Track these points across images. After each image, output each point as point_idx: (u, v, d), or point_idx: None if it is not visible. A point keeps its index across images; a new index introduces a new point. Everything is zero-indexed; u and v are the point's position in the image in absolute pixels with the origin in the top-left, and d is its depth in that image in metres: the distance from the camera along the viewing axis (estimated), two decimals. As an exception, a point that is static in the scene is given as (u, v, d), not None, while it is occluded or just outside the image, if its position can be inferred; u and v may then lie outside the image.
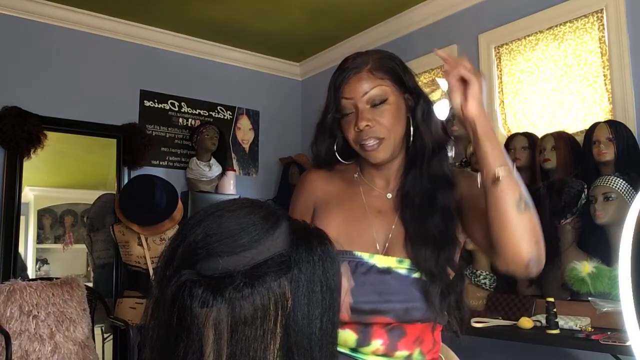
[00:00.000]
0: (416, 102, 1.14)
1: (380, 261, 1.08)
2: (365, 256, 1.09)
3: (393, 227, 1.12)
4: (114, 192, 3.47)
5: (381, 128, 1.09)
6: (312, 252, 0.65)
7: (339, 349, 1.07)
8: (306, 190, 1.22)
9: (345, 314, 1.01)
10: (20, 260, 3.23)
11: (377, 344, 1.07)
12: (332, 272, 0.67)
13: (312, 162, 1.24)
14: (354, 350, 1.08)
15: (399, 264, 1.08)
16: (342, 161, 1.20)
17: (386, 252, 1.10)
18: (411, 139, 1.14)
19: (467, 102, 0.96)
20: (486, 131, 0.97)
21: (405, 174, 1.17)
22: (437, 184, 1.12)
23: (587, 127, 2.40)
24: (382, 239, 1.12)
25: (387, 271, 1.07)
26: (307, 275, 0.64)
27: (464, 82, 0.98)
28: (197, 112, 3.92)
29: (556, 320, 1.94)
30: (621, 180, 2.11)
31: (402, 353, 1.08)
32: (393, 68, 1.13)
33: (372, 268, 1.07)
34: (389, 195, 1.17)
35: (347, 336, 1.07)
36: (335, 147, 1.19)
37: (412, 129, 1.13)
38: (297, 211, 1.21)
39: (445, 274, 1.06)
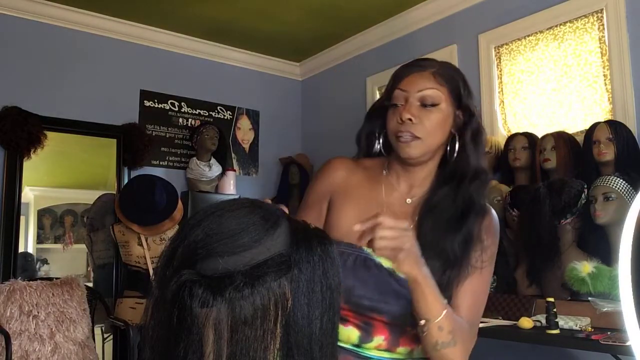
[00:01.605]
0: (467, 121, 1.14)
1: (386, 261, 1.08)
2: (373, 254, 1.08)
3: None
4: (114, 192, 3.47)
5: (422, 128, 1.08)
6: (312, 252, 0.65)
7: (343, 345, 1.09)
8: (327, 177, 1.22)
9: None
10: (27, 261, 3.24)
11: (380, 339, 1.08)
12: (332, 272, 0.67)
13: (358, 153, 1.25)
14: (357, 345, 1.10)
15: None
16: (382, 152, 1.20)
17: None
18: (454, 154, 1.13)
19: (396, 263, 0.98)
20: (414, 286, 0.98)
21: (436, 186, 1.15)
22: (470, 208, 1.10)
23: (587, 127, 2.40)
24: None
25: (391, 272, 1.07)
26: (307, 275, 0.64)
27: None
28: (197, 112, 3.92)
29: (556, 320, 1.94)
30: (621, 180, 2.11)
31: (403, 349, 1.10)
32: (455, 80, 1.13)
33: (378, 266, 1.08)
34: (409, 201, 1.16)
35: (350, 332, 1.09)
36: (378, 137, 1.20)
37: (456, 145, 1.13)
38: (311, 199, 1.21)
39: (443, 291, 1.06)
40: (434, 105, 1.09)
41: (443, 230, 1.08)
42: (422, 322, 1.00)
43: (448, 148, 1.14)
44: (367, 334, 1.08)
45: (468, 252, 1.09)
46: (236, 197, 3.55)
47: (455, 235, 1.08)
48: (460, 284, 1.08)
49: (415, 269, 0.96)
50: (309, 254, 0.65)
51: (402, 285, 1.06)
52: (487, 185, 1.15)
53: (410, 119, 1.08)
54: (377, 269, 1.07)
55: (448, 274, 1.06)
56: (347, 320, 1.08)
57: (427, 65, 1.13)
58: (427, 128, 1.08)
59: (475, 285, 1.09)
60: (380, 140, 1.19)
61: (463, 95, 1.13)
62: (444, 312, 0.99)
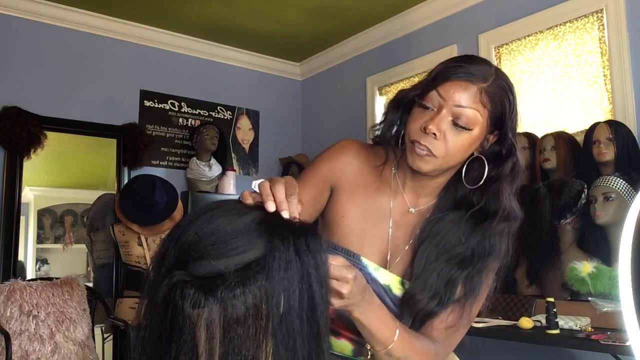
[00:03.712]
0: (507, 152, 1.00)
1: (383, 277, 1.02)
2: (370, 267, 1.02)
3: (406, 248, 1.04)
4: (114, 192, 3.47)
5: (442, 147, 0.95)
6: (290, 248, 0.64)
7: (337, 353, 1.07)
8: (337, 160, 1.09)
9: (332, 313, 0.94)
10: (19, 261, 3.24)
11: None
12: (314, 268, 0.66)
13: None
14: (352, 356, 1.07)
15: (400, 285, 1.02)
16: (398, 145, 1.07)
17: (390, 267, 1.04)
18: (482, 180, 0.99)
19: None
20: (354, 320, 0.88)
21: (443, 204, 1.05)
22: (485, 253, 1.00)
23: (587, 127, 2.40)
24: (393, 252, 1.05)
25: (387, 290, 1.01)
26: (284, 271, 0.63)
27: None
28: (197, 112, 3.93)
29: (556, 320, 1.94)
30: (621, 180, 2.11)
31: None
32: (502, 104, 0.97)
33: (374, 281, 1.00)
34: (412, 210, 1.06)
35: (343, 346, 1.06)
36: (398, 132, 1.06)
37: (486, 170, 0.99)
38: (314, 177, 1.09)
39: (423, 318, 1.01)
40: (465, 128, 0.95)
41: (443, 266, 0.98)
42: (369, 346, 0.92)
43: (464, 167, 1.02)
44: (361, 347, 1.03)
45: (470, 302, 1.00)
46: (236, 197, 3.56)
47: (456, 279, 0.98)
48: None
49: (350, 310, 0.85)
50: (283, 245, 0.64)
51: (394, 302, 1.01)
52: (513, 228, 1.02)
53: (434, 134, 0.94)
54: (372, 284, 0.98)
55: (433, 307, 0.97)
56: (339, 333, 1.04)
57: (478, 76, 0.95)
58: (448, 149, 0.95)
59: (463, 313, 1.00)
60: (401, 134, 1.05)
61: (506, 122, 0.99)
62: (394, 340, 0.90)
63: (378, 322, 0.88)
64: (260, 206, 0.71)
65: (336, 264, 0.78)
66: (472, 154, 1.01)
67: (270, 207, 0.72)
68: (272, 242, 0.63)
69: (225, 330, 0.59)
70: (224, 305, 0.59)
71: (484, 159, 1.00)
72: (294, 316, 0.62)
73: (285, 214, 0.72)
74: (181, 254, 0.63)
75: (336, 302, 0.81)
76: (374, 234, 1.06)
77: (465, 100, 0.94)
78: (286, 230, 0.66)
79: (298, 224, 0.68)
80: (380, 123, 1.08)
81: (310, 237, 0.67)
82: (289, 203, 0.74)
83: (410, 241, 1.05)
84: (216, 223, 0.65)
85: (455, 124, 0.95)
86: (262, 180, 0.78)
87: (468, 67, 0.96)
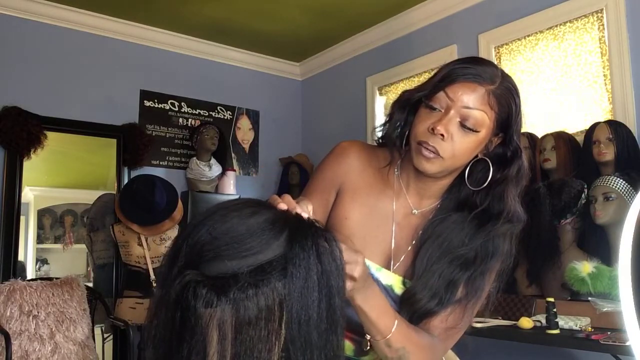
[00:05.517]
0: (514, 154, 1.02)
1: (386, 278, 1.02)
2: (372, 268, 1.01)
3: (409, 249, 1.05)
4: (114, 192, 3.47)
5: (450, 148, 0.96)
6: (308, 251, 0.64)
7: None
8: (339, 164, 1.09)
9: None
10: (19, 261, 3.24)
11: (376, 354, 1.03)
12: (331, 273, 0.65)
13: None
14: (354, 356, 1.07)
15: (402, 285, 1.02)
16: (402, 147, 1.06)
17: (393, 268, 1.04)
18: (487, 182, 1.00)
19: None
20: (355, 308, 0.87)
21: (446, 205, 1.05)
22: (488, 254, 1.00)
23: (587, 127, 2.40)
24: (396, 254, 1.05)
25: (389, 290, 1.01)
26: (302, 275, 0.63)
27: None
28: (197, 112, 3.93)
29: (556, 320, 1.94)
30: (621, 180, 2.11)
31: None
32: (509, 107, 0.98)
33: (376, 282, 0.99)
34: (415, 212, 1.06)
35: (345, 345, 1.05)
36: (403, 132, 1.05)
37: (490, 172, 1.00)
38: (318, 185, 1.10)
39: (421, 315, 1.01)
40: (473, 129, 0.96)
41: (445, 267, 0.98)
42: (368, 336, 0.92)
43: (467, 169, 1.02)
44: (362, 347, 1.02)
45: (471, 302, 1.00)
46: (236, 197, 3.55)
47: (457, 281, 0.98)
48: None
49: (353, 296, 0.85)
50: (304, 253, 0.63)
51: (396, 302, 1.00)
52: (516, 230, 1.03)
53: (442, 135, 0.95)
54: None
55: (432, 306, 0.98)
56: None
57: (486, 78, 0.96)
58: (455, 150, 0.96)
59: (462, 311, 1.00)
60: (405, 135, 1.04)
61: (512, 124, 1.00)
62: (393, 329, 0.90)
63: (378, 310, 0.88)
64: (272, 205, 0.71)
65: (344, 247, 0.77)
66: (476, 156, 1.01)
67: (282, 206, 0.71)
68: (292, 249, 0.63)
69: (237, 332, 0.59)
70: (236, 306, 0.59)
71: (489, 161, 1.01)
72: (312, 327, 0.62)
73: (302, 210, 0.72)
74: (194, 253, 0.63)
75: (348, 285, 0.80)
76: (377, 236, 1.06)
77: (473, 101, 0.95)
78: (305, 233, 0.65)
79: (315, 226, 0.67)
80: (385, 124, 1.08)
81: (331, 243, 0.66)
82: (299, 204, 0.74)
83: (413, 242, 1.05)
84: (230, 223, 0.64)
85: (462, 125, 0.96)
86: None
87: (475, 68, 0.96)
